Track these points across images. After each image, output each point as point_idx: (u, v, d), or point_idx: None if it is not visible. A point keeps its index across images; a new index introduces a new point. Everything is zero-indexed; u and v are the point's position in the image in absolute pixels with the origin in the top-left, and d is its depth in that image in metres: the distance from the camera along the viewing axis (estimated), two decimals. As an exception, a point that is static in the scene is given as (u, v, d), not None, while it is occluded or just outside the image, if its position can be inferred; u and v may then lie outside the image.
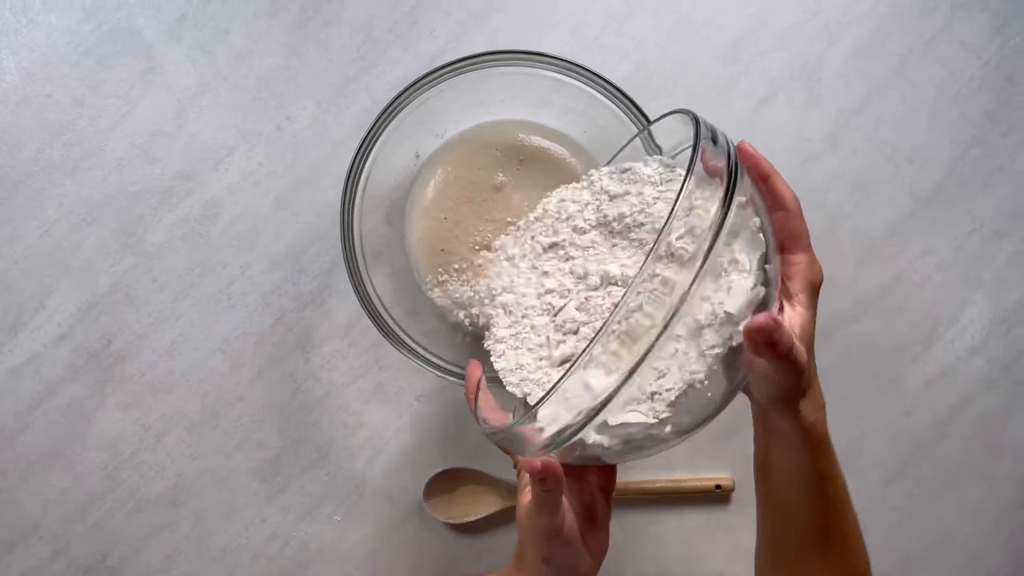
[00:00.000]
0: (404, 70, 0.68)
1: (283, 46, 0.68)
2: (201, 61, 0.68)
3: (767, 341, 0.39)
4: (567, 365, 0.40)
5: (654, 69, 0.69)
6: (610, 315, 0.39)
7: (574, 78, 0.61)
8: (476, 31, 0.68)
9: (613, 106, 0.61)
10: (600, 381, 0.39)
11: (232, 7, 0.68)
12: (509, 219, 0.63)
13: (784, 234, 0.46)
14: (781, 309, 0.45)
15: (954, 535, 0.70)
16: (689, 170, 0.40)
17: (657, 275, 0.39)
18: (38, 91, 0.67)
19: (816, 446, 0.46)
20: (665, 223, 0.39)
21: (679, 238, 0.39)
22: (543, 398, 0.40)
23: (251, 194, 0.68)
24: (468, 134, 0.65)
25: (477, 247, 0.64)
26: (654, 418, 0.42)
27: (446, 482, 0.69)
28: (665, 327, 0.38)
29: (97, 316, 0.68)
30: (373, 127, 0.61)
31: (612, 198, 0.54)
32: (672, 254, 0.39)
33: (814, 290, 0.46)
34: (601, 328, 0.39)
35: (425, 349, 0.63)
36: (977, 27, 0.68)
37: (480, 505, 0.69)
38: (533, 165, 0.65)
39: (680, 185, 0.39)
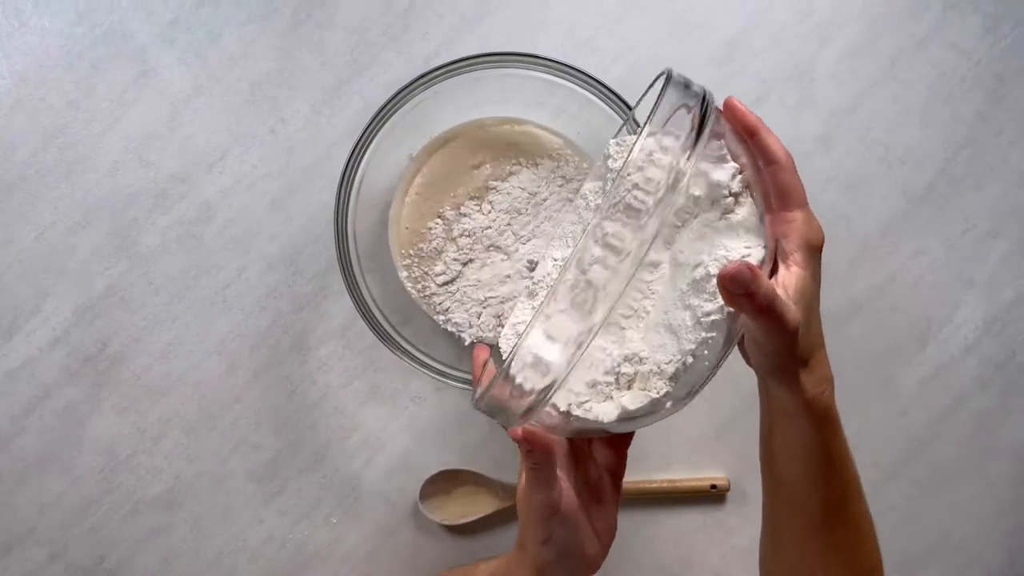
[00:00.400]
0: (397, 72, 0.68)
1: (276, 49, 0.68)
2: (194, 64, 0.68)
3: (743, 291, 0.37)
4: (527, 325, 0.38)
5: (648, 70, 0.68)
6: (563, 269, 0.37)
7: (567, 80, 0.61)
8: (469, 33, 0.68)
9: (607, 108, 0.61)
10: (559, 344, 0.37)
11: (225, 10, 0.68)
12: (479, 186, 0.65)
13: (776, 190, 0.43)
14: (775, 271, 0.43)
15: (950, 534, 0.70)
16: (651, 115, 0.38)
17: (608, 232, 0.37)
18: (31, 95, 0.67)
19: (821, 422, 0.44)
20: (619, 173, 0.37)
21: (636, 189, 0.37)
22: (509, 358, 0.38)
23: (245, 197, 0.68)
24: (458, 127, 0.65)
25: (439, 216, 0.65)
26: (656, 393, 0.42)
27: (442, 483, 0.69)
28: (628, 281, 0.37)
29: (92, 319, 0.68)
30: (367, 129, 0.61)
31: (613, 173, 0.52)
32: (630, 206, 0.37)
33: (811, 249, 0.43)
34: (557, 281, 0.37)
35: (420, 351, 0.64)
36: (968, 28, 0.68)
37: (477, 506, 0.69)
38: (519, 149, 0.65)
39: (639, 132, 0.38)
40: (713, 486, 0.69)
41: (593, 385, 0.43)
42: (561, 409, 0.43)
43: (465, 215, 0.65)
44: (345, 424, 0.69)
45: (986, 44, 0.69)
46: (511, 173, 0.65)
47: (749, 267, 0.37)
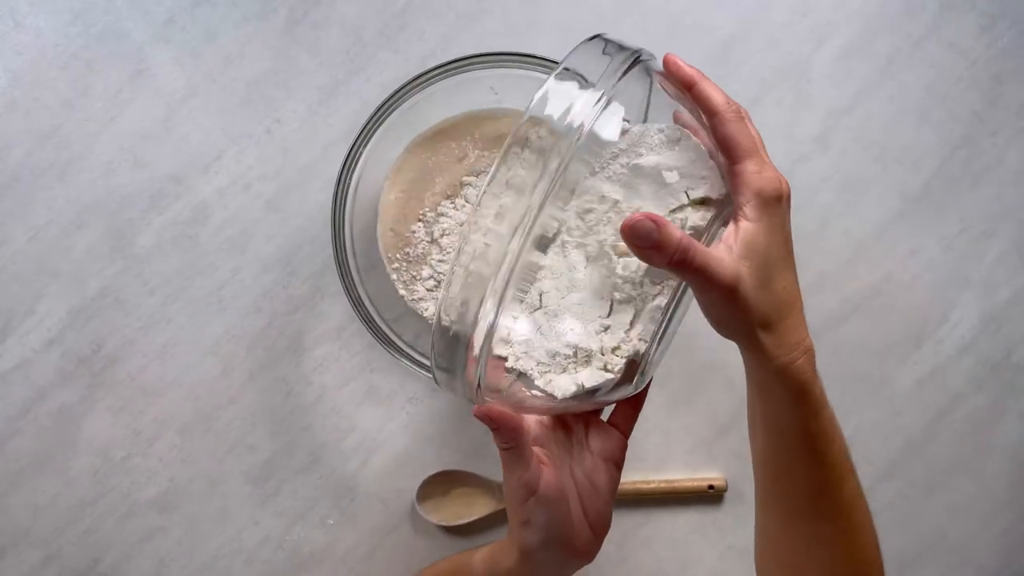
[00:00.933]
0: (394, 72, 0.68)
1: (272, 49, 0.68)
2: (190, 64, 0.67)
3: (648, 244, 0.36)
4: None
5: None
6: (474, 208, 0.37)
7: (564, 80, 0.61)
8: (465, 33, 0.68)
9: (603, 107, 0.61)
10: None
11: (221, 10, 0.67)
12: (454, 183, 0.65)
13: (721, 144, 0.41)
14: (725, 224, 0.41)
15: (945, 534, 0.70)
16: (564, 60, 0.39)
17: (511, 173, 0.37)
18: (26, 94, 0.67)
19: (796, 396, 0.41)
20: (527, 111, 0.38)
21: (536, 129, 0.38)
22: (438, 308, 0.39)
23: (241, 197, 0.68)
24: (447, 121, 0.65)
25: (420, 219, 0.64)
26: (613, 370, 0.41)
27: (439, 484, 0.69)
28: (533, 218, 0.37)
29: (87, 320, 0.68)
30: (363, 129, 0.61)
31: None
32: (532, 145, 0.38)
33: (763, 200, 0.40)
34: (466, 229, 0.38)
35: (417, 352, 0.63)
36: (965, 28, 0.69)
37: (474, 507, 0.69)
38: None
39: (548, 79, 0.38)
40: (711, 487, 0.69)
41: (554, 356, 0.43)
42: (515, 368, 0.42)
43: (443, 215, 0.65)
44: (341, 425, 0.69)
45: (982, 44, 0.69)
46: (488, 166, 0.65)
47: (652, 218, 0.36)
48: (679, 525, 0.70)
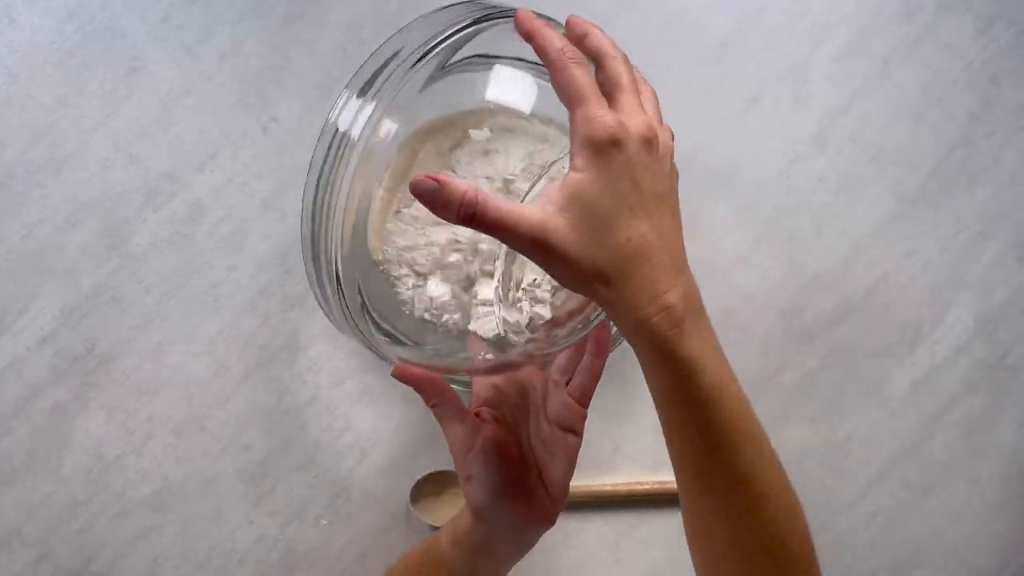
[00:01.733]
0: (390, 71, 0.68)
1: (268, 47, 0.68)
2: (185, 62, 0.67)
3: (435, 203, 0.36)
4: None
5: (642, 69, 0.69)
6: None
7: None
8: (463, 32, 0.68)
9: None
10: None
11: (217, 8, 0.67)
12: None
13: (557, 93, 0.38)
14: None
15: (940, 536, 0.70)
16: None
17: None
18: (21, 92, 0.67)
19: (656, 356, 0.38)
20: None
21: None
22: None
23: (237, 195, 0.68)
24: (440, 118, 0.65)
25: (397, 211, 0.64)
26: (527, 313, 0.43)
27: (433, 485, 0.69)
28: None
29: (81, 318, 0.67)
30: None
31: None
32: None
33: (593, 147, 0.36)
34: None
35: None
36: (961, 28, 0.69)
37: (468, 507, 0.69)
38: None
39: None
40: (705, 487, 0.69)
41: (484, 303, 0.44)
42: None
43: (416, 216, 0.64)
44: (336, 425, 0.69)
45: (979, 45, 0.69)
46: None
47: (431, 177, 0.36)
48: (673, 526, 0.70)
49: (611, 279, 0.37)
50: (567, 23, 0.42)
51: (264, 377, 0.69)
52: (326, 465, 0.69)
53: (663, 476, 0.70)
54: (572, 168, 0.37)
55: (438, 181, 0.36)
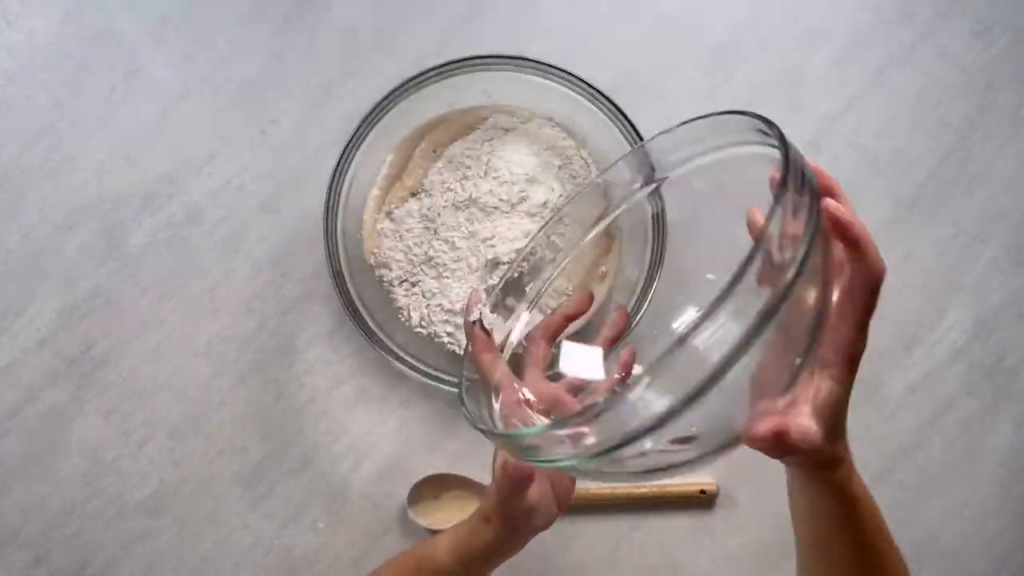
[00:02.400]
0: (388, 74, 0.68)
1: (266, 50, 0.68)
2: (183, 65, 0.67)
3: (778, 452, 0.39)
4: None
5: (638, 75, 0.69)
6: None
7: (559, 83, 0.61)
8: (460, 36, 0.68)
9: (598, 112, 0.61)
10: None
11: (215, 11, 0.67)
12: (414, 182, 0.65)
13: (846, 300, 0.43)
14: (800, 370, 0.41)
15: (937, 538, 0.70)
16: (779, 199, 0.37)
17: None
18: (18, 94, 0.67)
19: (837, 492, 0.45)
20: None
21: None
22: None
23: (234, 198, 0.68)
24: (437, 117, 0.65)
25: (389, 211, 0.65)
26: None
27: (430, 488, 0.69)
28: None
29: (78, 321, 0.67)
30: (357, 131, 0.61)
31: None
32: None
33: (853, 363, 0.41)
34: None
35: (408, 354, 0.63)
36: (957, 34, 0.69)
37: (465, 511, 0.69)
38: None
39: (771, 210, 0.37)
40: (702, 491, 0.69)
41: None
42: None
43: (410, 216, 0.65)
44: (332, 428, 0.69)
45: (975, 50, 0.69)
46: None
47: (774, 431, 0.38)
48: (670, 529, 0.70)
49: (834, 465, 0.44)
50: (827, 209, 0.43)
51: (261, 380, 0.68)
52: (323, 468, 0.69)
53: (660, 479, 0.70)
54: (829, 376, 0.41)
55: (779, 433, 0.38)
